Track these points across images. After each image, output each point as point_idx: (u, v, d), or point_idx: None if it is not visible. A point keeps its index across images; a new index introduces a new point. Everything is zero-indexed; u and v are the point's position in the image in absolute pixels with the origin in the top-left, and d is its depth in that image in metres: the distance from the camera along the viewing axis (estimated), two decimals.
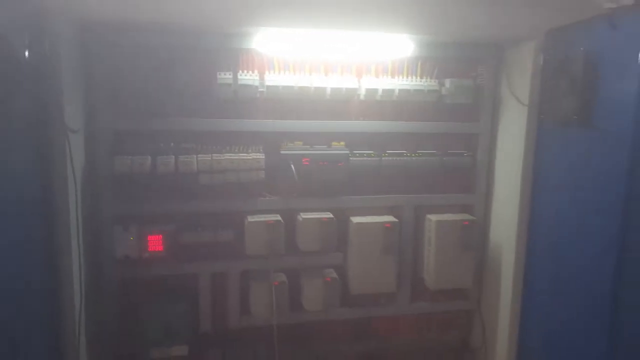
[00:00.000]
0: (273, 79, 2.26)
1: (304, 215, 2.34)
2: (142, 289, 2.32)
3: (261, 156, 2.27)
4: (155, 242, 2.23)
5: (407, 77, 2.41)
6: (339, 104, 2.40)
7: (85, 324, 2.06)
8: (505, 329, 2.47)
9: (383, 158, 2.46)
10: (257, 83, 2.25)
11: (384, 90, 2.37)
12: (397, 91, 2.39)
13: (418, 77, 2.42)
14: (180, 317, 2.30)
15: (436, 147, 2.54)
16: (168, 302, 2.31)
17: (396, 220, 2.44)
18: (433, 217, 2.48)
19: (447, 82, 2.46)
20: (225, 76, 2.20)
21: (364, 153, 2.44)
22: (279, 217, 2.31)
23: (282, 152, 2.31)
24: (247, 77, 2.23)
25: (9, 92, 1.62)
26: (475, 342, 2.75)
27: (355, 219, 2.42)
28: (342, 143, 2.41)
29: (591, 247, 1.93)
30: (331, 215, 2.36)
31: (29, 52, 1.72)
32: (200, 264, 2.33)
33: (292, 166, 2.28)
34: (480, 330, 2.70)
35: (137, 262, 2.22)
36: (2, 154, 1.62)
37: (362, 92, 2.38)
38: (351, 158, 2.40)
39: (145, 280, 2.31)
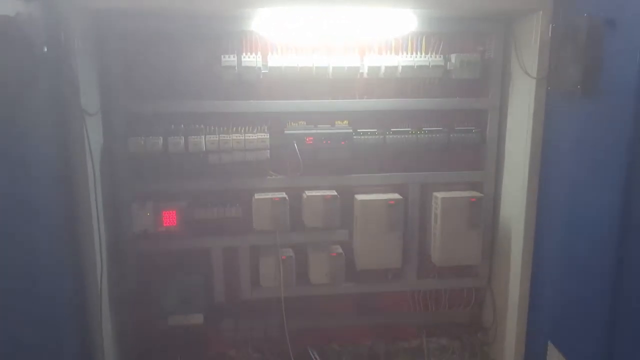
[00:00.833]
0: (275, 60, 2.33)
1: (308, 193, 2.42)
2: (159, 261, 2.49)
3: (266, 136, 2.36)
4: (170, 217, 2.38)
5: (411, 53, 2.40)
6: (342, 83, 2.43)
7: (108, 293, 2.25)
8: (515, 307, 2.45)
9: (387, 136, 2.48)
10: (260, 65, 2.32)
11: (386, 68, 2.38)
12: (400, 68, 2.39)
13: (422, 53, 2.41)
14: (195, 288, 2.46)
15: (443, 124, 2.53)
16: (184, 274, 2.47)
17: (400, 197, 2.47)
18: (439, 195, 2.48)
19: (453, 58, 2.43)
20: (229, 59, 2.29)
21: (368, 131, 2.47)
22: (284, 195, 2.40)
23: (286, 131, 2.39)
24: (250, 59, 2.31)
25: (28, 79, 1.79)
26: (486, 320, 2.75)
27: (360, 197, 2.47)
28: (346, 122, 2.45)
29: (600, 221, 1.88)
30: (335, 193, 2.42)
31: (45, 41, 1.88)
32: (211, 238, 2.47)
33: (296, 145, 2.35)
34: (491, 308, 2.69)
35: (154, 236, 2.38)
36: (24, 139, 1.80)
37: (365, 70, 2.40)
38: (355, 137, 2.44)
39: (162, 254, 2.48)
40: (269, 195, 2.39)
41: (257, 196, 2.39)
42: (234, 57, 2.30)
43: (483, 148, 2.57)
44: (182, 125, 2.35)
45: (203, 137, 2.33)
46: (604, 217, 1.85)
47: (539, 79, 2.23)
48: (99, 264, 2.17)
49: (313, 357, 2.49)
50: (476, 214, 2.47)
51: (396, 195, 2.48)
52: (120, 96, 2.31)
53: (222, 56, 2.30)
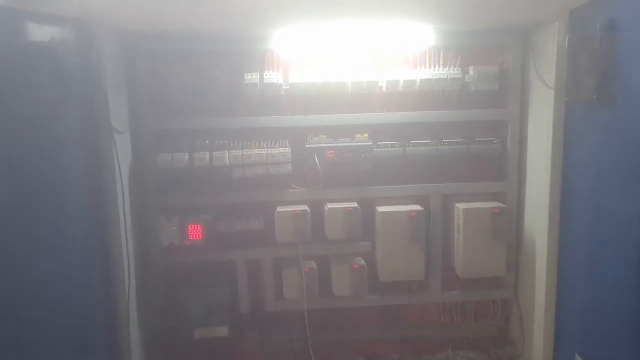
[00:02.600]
0: (296, 77, 2.40)
1: (330, 206, 2.46)
2: (186, 274, 2.55)
3: (288, 150, 2.42)
4: (196, 231, 2.45)
5: (430, 67, 2.44)
6: (362, 97, 2.49)
7: (136, 305, 2.32)
8: (542, 319, 2.41)
9: (407, 148, 2.51)
10: (281, 81, 2.40)
11: (405, 82, 2.43)
12: (418, 82, 2.43)
13: (441, 67, 2.45)
14: (220, 300, 2.50)
15: (463, 136, 2.54)
16: (209, 286, 2.52)
17: (422, 209, 2.48)
18: (461, 206, 2.48)
19: (471, 70, 2.46)
20: (252, 77, 2.38)
21: (388, 144, 2.50)
22: (306, 207, 2.44)
23: (307, 145, 2.44)
24: (272, 77, 2.38)
25: (61, 101, 1.90)
26: (513, 333, 2.70)
27: (381, 209, 2.49)
28: (366, 135, 2.49)
29: (625, 231, 1.85)
30: (356, 205, 2.45)
31: (78, 64, 1.99)
32: (236, 251, 2.52)
33: (317, 159, 2.40)
34: (518, 321, 2.65)
35: (181, 249, 2.45)
36: (57, 156, 1.90)
37: (384, 84, 2.44)
38: (375, 149, 2.47)
39: (188, 266, 2.54)
40: (291, 208, 2.44)
41: (279, 209, 2.44)
42: (256, 75, 2.39)
43: (504, 159, 2.56)
44: (207, 142, 2.43)
45: (227, 152, 2.40)
46: (629, 227, 1.82)
47: (557, 89, 2.23)
48: (127, 276, 2.24)
49: None
50: (499, 225, 2.46)
51: (417, 207, 2.49)
52: (148, 114, 2.41)
53: (245, 74, 2.39)
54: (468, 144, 2.53)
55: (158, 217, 2.44)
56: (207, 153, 2.39)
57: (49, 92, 1.84)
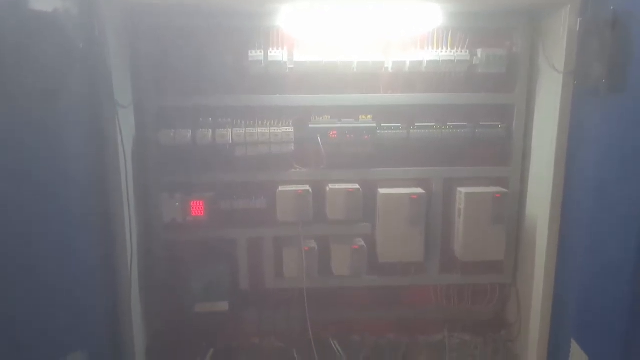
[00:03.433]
0: (301, 55, 2.37)
1: (331, 186, 2.46)
2: (187, 250, 2.58)
3: (291, 130, 2.41)
4: (198, 208, 2.46)
5: (437, 48, 2.40)
6: (367, 78, 2.46)
7: (138, 280, 2.35)
8: (539, 304, 2.42)
9: (411, 131, 2.49)
10: (286, 59, 2.37)
11: (411, 63, 2.40)
12: (425, 63, 2.40)
13: (448, 48, 2.41)
14: (221, 276, 2.53)
15: (468, 119, 2.52)
16: (210, 263, 2.55)
17: (423, 192, 2.48)
18: (463, 190, 2.48)
19: (479, 52, 2.42)
20: (256, 54, 2.35)
21: (392, 126, 2.49)
22: (308, 188, 2.44)
23: (310, 125, 2.43)
24: (277, 54, 2.35)
25: (64, 73, 1.89)
26: (510, 317, 2.73)
27: (383, 191, 2.49)
28: (370, 116, 2.47)
29: (626, 219, 1.85)
30: (357, 186, 2.44)
31: (81, 36, 1.98)
32: (237, 228, 2.53)
33: (319, 139, 2.39)
34: (515, 305, 2.67)
35: (182, 226, 2.46)
36: (59, 128, 1.90)
37: (390, 64, 2.41)
38: (378, 131, 2.46)
39: (189, 243, 2.56)
40: (293, 187, 2.44)
41: (281, 188, 2.44)
42: (260, 52, 2.36)
43: (509, 144, 2.54)
44: (210, 119, 2.41)
45: (230, 130, 2.39)
46: (631, 215, 1.81)
47: (566, 73, 2.20)
48: (129, 251, 2.26)
49: (335, 348, 2.52)
50: (500, 210, 2.45)
51: (419, 190, 2.49)
52: (151, 90, 2.40)
53: (250, 51, 2.36)
54: (472, 127, 2.51)
55: (160, 193, 2.45)
56: (210, 130, 2.39)
57: (51, 63, 1.84)
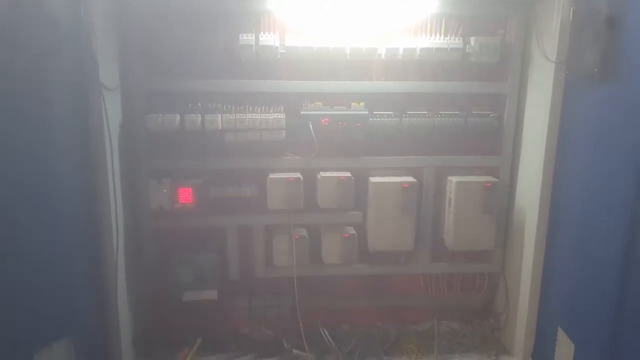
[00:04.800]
0: (293, 40, 2.32)
1: (323, 174, 2.43)
2: (175, 238, 2.53)
3: (282, 116, 2.37)
4: (186, 195, 2.41)
5: (430, 35, 2.38)
6: (359, 64, 2.43)
7: (124, 268, 2.30)
8: (527, 293, 2.44)
9: (403, 119, 2.47)
10: (277, 44, 2.32)
11: (405, 50, 2.37)
12: (418, 50, 2.37)
13: (442, 36, 2.39)
14: (210, 265, 2.50)
15: (460, 108, 2.51)
16: (198, 251, 2.51)
17: (414, 180, 2.47)
18: (453, 179, 2.48)
19: (472, 40, 2.40)
20: (247, 38, 2.29)
21: (384, 114, 2.46)
22: (299, 175, 2.41)
23: (302, 112, 2.39)
24: (268, 39, 2.30)
25: (48, 55, 1.82)
26: (498, 306, 2.75)
27: (374, 179, 2.47)
28: (362, 104, 2.45)
29: (614, 210, 1.86)
30: (349, 175, 2.42)
31: (65, 17, 1.91)
32: (226, 216, 2.50)
33: (311, 126, 2.36)
34: (503, 294, 2.69)
35: (170, 213, 2.41)
36: (42, 111, 1.83)
37: (383, 51, 2.38)
38: (371, 119, 2.43)
39: (178, 230, 2.52)
40: (284, 175, 2.41)
41: (272, 176, 2.41)
42: (252, 36, 2.31)
43: (500, 133, 2.54)
44: (199, 104, 2.36)
45: (219, 115, 2.34)
46: (620, 206, 1.83)
47: (558, 63, 2.20)
48: (115, 238, 2.21)
49: (325, 337, 2.51)
50: (490, 199, 2.46)
51: (410, 179, 2.48)
52: (138, 73, 2.33)
53: (240, 35, 2.30)
54: (465, 116, 2.50)
55: (147, 179, 2.39)
56: (199, 115, 2.33)
57: (35, 44, 1.77)
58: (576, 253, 2.14)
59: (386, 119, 2.46)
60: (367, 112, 2.41)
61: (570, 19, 2.14)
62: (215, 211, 2.47)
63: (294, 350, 2.45)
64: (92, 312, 2.20)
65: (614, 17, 1.83)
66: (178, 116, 2.33)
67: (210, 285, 2.50)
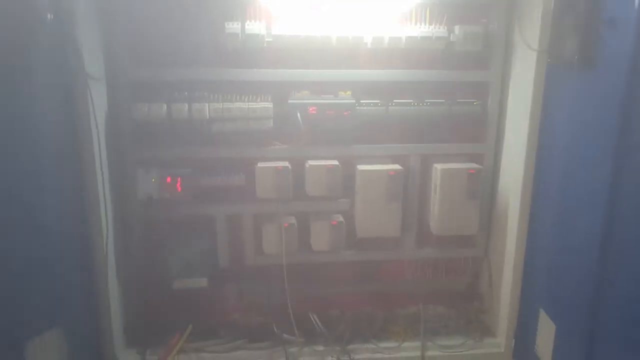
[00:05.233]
0: (279, 29, 2.33)
1: (311, 163, 2.46)
2: (164, 227, 2.54)
3: (269, 105, 2.38)
4: (174, 184, 2.42)
5: (416, 23, 2.41)
6: (346, 53, 2.44)
7: (114, 258, 2.31)
8: (510, 276, 2.52)
9: (390, 107, 2.50)
10: (264, 32, 2.32)
11: (390, 38, 2.39)
12: (404, 39, 2.40)
13: (427, 24, 2.41)
14: (200, 253, 2.52)
15: (445, 96, 2.55)
16: (188, 240, 2.53)
17: (401, 168, 2.51)
18: (439, 166, 2.52)
19: (457, 29, 2.43)
20: (233, 26, 2.29)
21: (371, 102, 2.49)
22: (287, 164, 2.44)
23: (289, 101, 2.40)
24: (254, 27, 2.30)
25: (30, 44, 1.80)
26: (481, 289, 2.83)
27: (361, 167, 2.50)
28: (349, 92, 2.47)
29: (594, 195, 1.93)
30: (337, 163, 2.45)
31: (46, 5, 1.88)
32: (215, 205, 2.51)
33: (299, 115, 2.37)
34: (486, 277, 2.77)
35: (159, 203, 2.42)
36: (29, 103, 1.82)
37: (369, 40, 2.40)
38: (358, 107, 2.46)
39: (167, 220, 2.52)
40: (272, 164, 2.42)
41: (260, 165, 2.42)
42: (238, 24, 2.30)
43: (484, 121, 2.59)
44: (186, 93, 2.36)
45: (207, 104, 2.34)
46: (598, 191, 1.89)
47: (540, 51, 2.24)
48: (105, 227, 2.22)
49: (314, 321, 2.56)
50: (474, 186, 2.51)
51: (397, 166, 2.52)
52: (124, 62, 2.31)
53: (226, 23, 2.30)
54: (449, 105, 2.54)
55: (135, 169, 2.39)
56: (186, 105, 2.33)
57: (19, 35, 1.75)
58: (557, 237, 2.21)
59: (373, 108, 2.49)
60: (354, 101, 2.44)
61: (552, 7, 2.18)
62: (204, 200, 2.49)
63: (284, 335, 2.49)
64: (83, 301, 2.21)
65: (594, 5, 1.87)
66: (165, 105, 2.32)
67: (201, 273, 2.52)
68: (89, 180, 2.15)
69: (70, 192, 2.10)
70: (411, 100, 2.52)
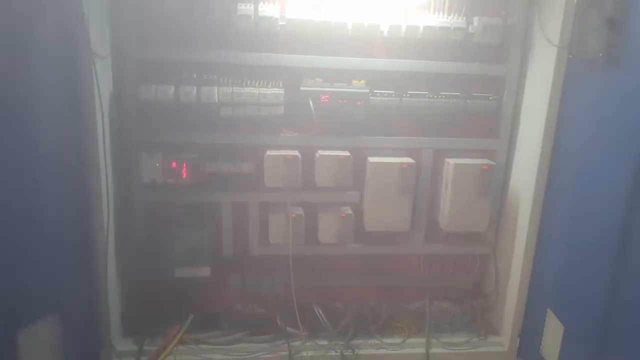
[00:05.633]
0: (293, 12, 2.24)
1: (321, 153, 2.39)
2: (168, 213, 2.47)
3: (281, 91, 2.30)
4: (179, 169, 2.34)
5: (434, 13, 2.34)
6: (361, 41, 2.36)
7: (114, 243, 2.23)
8: (518, 274, 2.48)
9: (404, 99, 2.44)
10: (277, 15, 2.24)
11: (408, 27, 2.32)
12: (421, 28, 2.33)
13: (445, 14, 2.34)
14: (203, 241, 2.43)
15: (460, 89, 2.49)
16: (192, 227, 2.44)
17: (413, 161, 2.45)
18: (451, 161, 2.46)
19: (475, 21, 2.37)
20: (246, 7, 2.20)
21: (385, 93, 2.42)
22: (297, 153, 2.36)
23: (301, 88, 2.33)
24: (268, 9, 2.22)
25: (34, 18, 1.71)
26: (488, 286, 2.80)
27: (372, 159, 2.44)
28: (363, 81, 2.40)
29: (611, 194, 1.89)
30: (348, 154, 2.39)
31: None
32: (221, 192, 2.43)
33: (311, 103, 2.30)
34: (493, 276, 2.73)
35: (163, 187, 2.34)
36: (28, 82, 1.72)
37: (386, 28, 2.33)
38: (371, 97, 2.39)
39: (170, 205, 2.45)
40: (282, 152, 2.35)
41: (269, 153, 2.35)
42: (250, 5, 2.22)
43: (499, 116, 2.54)
44: (195, 75, 2.27)
45: (216, 88, 2.25)
46: (616, 192, 1.85)
47: (561, 47, 2.18)
48: (106, 212, 2.13)
49: (318, 314, 2.51)
50: (486, 182, 2.46)
51: (409, 159, 2.46)
52: (131, 40, 2.22)
53: (239, 4, 2.21)
54: (464, 98, 2.48)
55: (139, 152, 2.31)
56: (194, 87, 2.24)
57: (19, 6, 1.66)
58: (569, 238, 2.17)
59: (387, 98, 2.42)
60: (368, 91, 2.37)
61: (575, 1, 2.12)
62: (210, 187, 2.41)
63: (288, 328, 2.44)
64: (80, 288, 2.13)
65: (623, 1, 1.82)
66: (172, 87, 2.23)
67: (204, 261, 2.45)
68: (92, 161, 2.06)
69: (71, 172, 2.02)
70: (426, 92, 2.45)
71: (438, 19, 2.33)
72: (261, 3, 2.23)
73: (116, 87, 2.22)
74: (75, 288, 2.10)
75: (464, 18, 2.36)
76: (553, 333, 2.25)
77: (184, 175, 2.35)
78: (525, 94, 2.48)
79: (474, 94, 2.49)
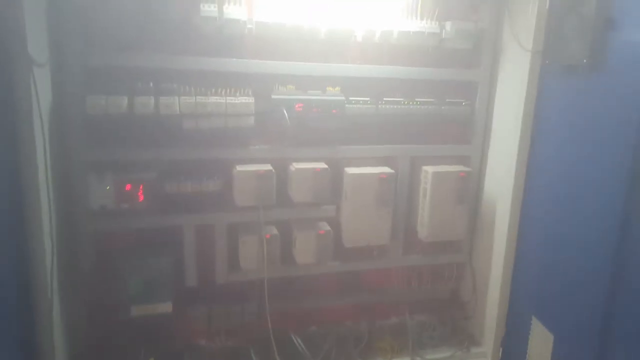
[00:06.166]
0: (263, 15, 2.06)
1: (296, 165, 2.20)
2: (121, 242, 2.17)
3: (250, 100, 2.09)
4: (135, 192, 2.05)
5: (408, 17, 2.25)
6: (334, 47, 2.23)
7: (58, 280, 1.89)
8: (498, 282, 2.44)
9: (380, 106, 2.32)
10: (245, 18, 2.04)
11: (382, 32, 2.22)
12: (396, 33, 2.23)
13: (418, 18, 2.26)
14: (163, 272, 2.15)
15: (434, 95, 2.42)
16: (150, 256, 2.15)
17: (392, 171, 2.34)
18: (429, 169, 2.38)
19: (448, 25, 2.31)
20: (209, 8, 1.98)
21: (360, 100, 2.29)
22: (270, 167, 2.16)
23: (273, 96, 2.13)
24: (234, 11, 2.01)
25: None
26: (465, 294, 2.74)
27: (350, 170, 2.29)
28: (338, 88, 2.25)
29: (591, 202, 1.88)
30: (325, 166, 2.22)
31: None
32: (184, 215, 2.17)
33: (285, 112, 2.11)
34: (470, 283, 2.68)
35: (115, 213, 2.04)
36: None
37: (360, 33, 2.21)
38: (347, 105, 2.25)
39: (125, 233, 2.16)
40: (253, 167, 2.14)
41: (239, 168, 2.13)
42: (215, 6, 1.99)
43: (472, 122, 2.50)
44: (152, 84, 2.00)
45: (177, 98, 2.00)
46: (595, 196, 1.86)
47: (535, 52, 2.18)
48: (49, 245, 1.81)
49: (296, 342, 2.31)
50: (464, 189, 2.41)
51: (388, 169, 2.34)
52: (76, 44, 1.91)
53: (201, 4, 1.98)
54: (439, 104, 2.41)
55: (87, 174, 1.99)
56: (152, 98, 1.98)
57: None
58: (550, 244, 2.14)
59: (362, 106, 2.29)
60: (343, 98, 2.22)
61: (547, 6, 2.12)
62: (171, 209, 2.13)
63: None
64: (21, 331, 1.78)
65: (601, 5, 1.81)
66: (126, 98, 1.95)
67: (164, 296, 2.15)
68: (31, 187, 1.74)
69: (7, 201, 1.67)
70: (401, 99, 2.35)
71: (412, 24, 2.24)
72: (226, 4, 2.01)
73: (58, 98, 1.90)
74: (14, 332, 1.74)
75: (437, 23, 2.29)
76: (539, 341, 2.21)
77: (141, 198, 2.06)
78: (497, 99, 2.46)
79: (448, 100, 2.43)
